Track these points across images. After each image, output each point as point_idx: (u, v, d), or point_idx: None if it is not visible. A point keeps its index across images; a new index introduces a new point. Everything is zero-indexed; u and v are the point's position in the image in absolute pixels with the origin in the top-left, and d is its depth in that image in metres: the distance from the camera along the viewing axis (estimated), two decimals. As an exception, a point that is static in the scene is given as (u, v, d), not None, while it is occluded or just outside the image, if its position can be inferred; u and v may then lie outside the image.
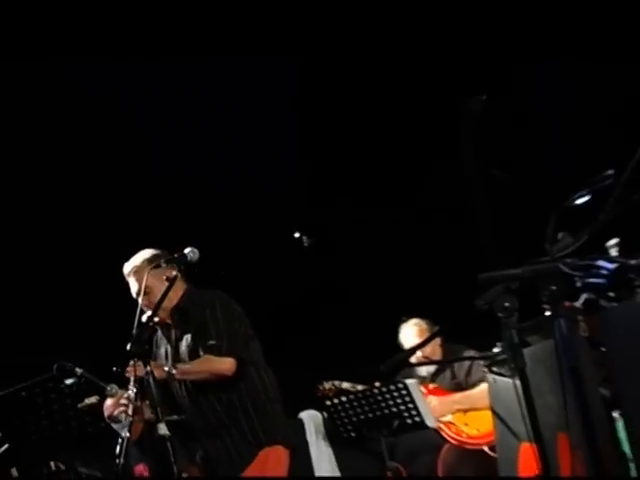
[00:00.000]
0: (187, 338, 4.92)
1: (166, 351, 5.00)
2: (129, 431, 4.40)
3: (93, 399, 4.94)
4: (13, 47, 6.73)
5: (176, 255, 4.69)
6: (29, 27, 6.79)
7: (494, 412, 4.10)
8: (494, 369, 4.07)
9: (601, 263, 3.10)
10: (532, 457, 3.24)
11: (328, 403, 5.65)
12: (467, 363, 6.04)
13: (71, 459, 5.35)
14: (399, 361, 5.45)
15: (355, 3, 7.04)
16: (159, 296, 4.70)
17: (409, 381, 5.54)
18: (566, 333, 3.08)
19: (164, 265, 4.76)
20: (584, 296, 3.17)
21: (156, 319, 4.77)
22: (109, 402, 4.70)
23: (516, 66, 7.00)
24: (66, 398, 5.08)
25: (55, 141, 7.30)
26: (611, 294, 3.14)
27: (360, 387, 5.91)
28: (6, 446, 5.16)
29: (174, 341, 4.98)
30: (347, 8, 7.02)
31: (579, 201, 3.47)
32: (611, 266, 3.09)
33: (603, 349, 3.23)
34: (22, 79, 6.90)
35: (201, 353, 4.80)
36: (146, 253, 4.98)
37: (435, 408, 5.79)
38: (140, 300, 4.76)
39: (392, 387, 5.45)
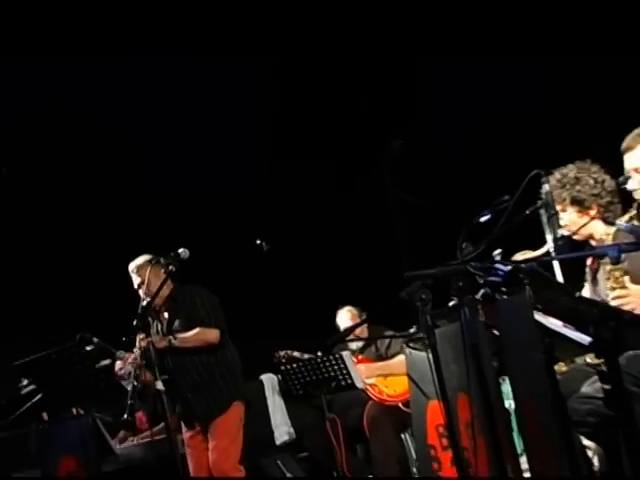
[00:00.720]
0: (179, 318, 5.41)
1: (157, 328, 5.50)
2: (138, 380, 5.00)
3: (107, 361, 5.36)
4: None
5: (172, 254, 5.15)
6: (15, 26, 6.84)
7: (410, 377, 4.30)
8: (411, 345, 4.28)
9: (498, 266, 3.35)
10: (438, 411, 3.68)
11: (282, 368, 5.85)
12: (387, 340, 6.26)
13: (89, 406, 5.61)
14: (339, 338, 6.22)
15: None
16: (156, 287, 5.23)
17: (344, 353, 5.75)
18: (469, 318, 3.48)
19: (162, 262, 5.26)
20: (483, 291, 3.49)
21: (153, 305, 5.33)
22: (119, 364, 5.24)
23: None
24: (86, 360, 5.37)
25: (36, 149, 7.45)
26: (504, 289, 3.40)
27: (307, 356, 6.17)
28: (40, 396, 5.53)
29: (167, 320, 5.47)
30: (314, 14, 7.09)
31: (482, 219, 3.95)
32: (506, 268, 3.32)
33: (496, 331, 3.60)
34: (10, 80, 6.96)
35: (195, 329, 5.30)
36: (146, 255, 5.47)
37: (362, 373, 5.94)
38: (141, 290, 5.37)
39: (331, 357, 5.68)
